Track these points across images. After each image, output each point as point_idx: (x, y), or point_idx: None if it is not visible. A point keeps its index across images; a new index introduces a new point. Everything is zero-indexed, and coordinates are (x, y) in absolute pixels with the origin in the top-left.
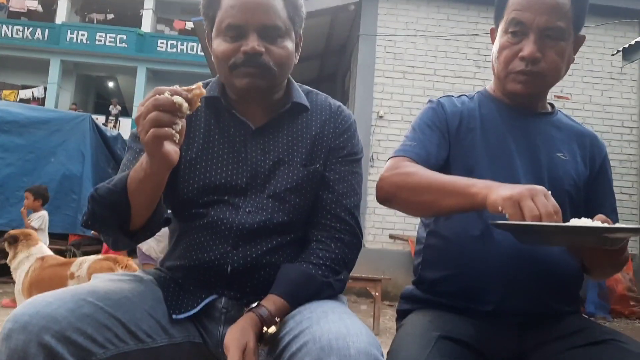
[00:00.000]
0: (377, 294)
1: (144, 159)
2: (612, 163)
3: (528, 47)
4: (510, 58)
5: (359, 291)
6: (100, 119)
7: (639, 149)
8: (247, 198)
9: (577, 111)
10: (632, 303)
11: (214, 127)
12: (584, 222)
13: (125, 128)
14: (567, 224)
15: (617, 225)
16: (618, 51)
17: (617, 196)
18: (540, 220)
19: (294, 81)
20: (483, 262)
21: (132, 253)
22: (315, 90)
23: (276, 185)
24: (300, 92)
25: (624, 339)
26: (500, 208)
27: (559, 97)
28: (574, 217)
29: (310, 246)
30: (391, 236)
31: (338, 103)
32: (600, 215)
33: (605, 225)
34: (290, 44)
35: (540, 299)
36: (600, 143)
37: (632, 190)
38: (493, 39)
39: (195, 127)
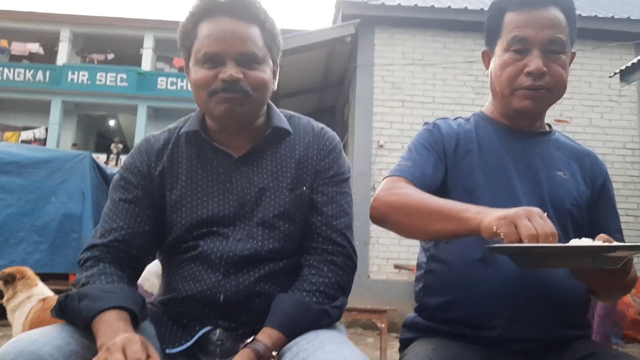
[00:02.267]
0: (383, 325)
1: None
2: (615, 185)
3: (534, 62)
4: (515, 75)
5: (365, 323)
6: (101, 158)
7: None
8: (236, 227)
9: (578, 134)
10: None
11: (195, 162)
12: (584, 242)
13: None
14: (564, 244)
15: (614, 243)
16: (615, 73)
17: (623, 218)
18: (537, 241)
19: (274, 106)
20: (486, 287)
21: None
22: (297, 114)
23: (264, 212)
24: (282, 117)
25: None
26: (495, 228)
27: (558, 120)
28: (577, 238)
29: (303, 272)
30: (396, 266)
31: (321, 125)
32: (602, 235)
33: (604, 244)
34: (267, 70)
35: (547, 324)
36: (599, 162)
37: (637, 212)
38: (486, 62)
39: (177, 165)
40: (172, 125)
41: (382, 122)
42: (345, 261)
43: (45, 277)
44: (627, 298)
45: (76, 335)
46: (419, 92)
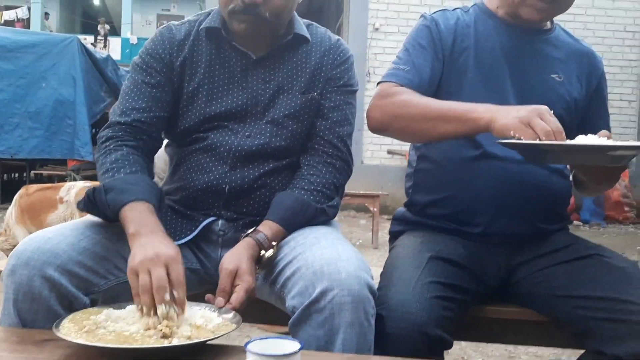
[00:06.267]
0: (375, 209)
1: (145, 220)
2: (612, 69)
3: None
4: None
5: (358, 207)
6: (88, 39)
7: None
8: (245, 124)
9: (579, 16)
10: (626, 209)
11: (215, 57)
12: (590, 139)
13: (115, 48)
14: (575, 142)
15: (620, 143)
16: None
17: (616, 103)
18: (553, 137)
19: (296, 14)
20: (472, 186)
21: None
22: (315, 23)
23: (275, 112)
24: (302, 25)
25: (607, 253)
26: (512, 132)
27: None
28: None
29: (302, 171)
30: (389, 152)
31: (337, 37)
32: (604, 132)
33: (609, 142)
34: None
35: (529, 220)
36: (597, 61)
37: (631, 97)
38: None
39: (197, 58)
40: (191, 18)
41: (378, 3)
42: (343, 165)
43: (43, 163)
44: None
45: (87, 232)
46: None
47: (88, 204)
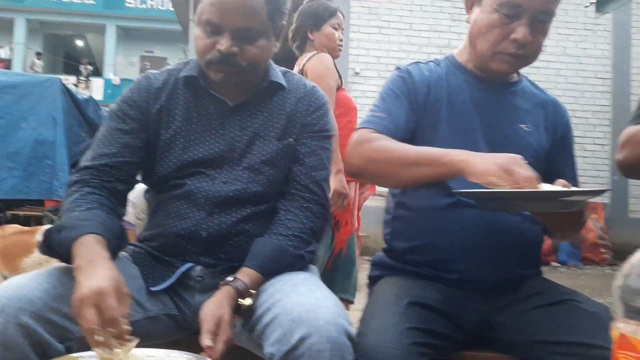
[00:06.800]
0: (357, 250)
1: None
2: (585, 114)
3: (521, 31)
4: (500, 38)
5: None
6: (70, 80)
7: (612, 100)
8: (222, 170)
9: (552, 63)
10: (602, 250)
11: (192, 105)
12: (545, 187)
13: (97, 89)
14: (527, 189)
15: (572, 188)
16: (591, 3)
17: (590, 147)
18: (533, 185)
19: (272, 62)
20: (449, 234)
21: None
22: (290, 71)
23: (252, 158)
24: (278, 72)
25: (580, 299)
26: (491, 178)
27: None
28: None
29: (279, 216)
30: None
31: (312, 83)
32: (560, 180)
33: (563, 188)
34: (265, 43)
35: (504, 267)
36: (562, 110)
37: (604, 140)
38: (468, 3)
39: (174, 106)
40: (171, 67)
41: (358, 48)
42: (320, 209)
43: (20, 203)
44: (588, 223)
45: (63, 278)
46: (396, 18)
47: (44, 245)
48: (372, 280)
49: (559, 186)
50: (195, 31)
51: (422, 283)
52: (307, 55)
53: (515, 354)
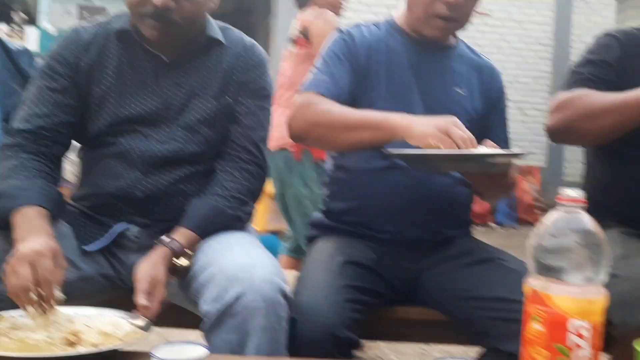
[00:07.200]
0: None
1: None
2: (526, 79)
3: None
4: (432, 0)
5: None
6: (3, 29)
7: (552, 66)
8: (158, 129)
9: (497, 27)
10: (537, 212)
11: (125, 60)
12: (473, 149)
13: (32, 39)
14: (455, 151)
15: (497, 150)
16: None
17: (530, 112)
18: (470, 145)
19: (209, 17)
20: (382, 195)
21: None
22: (230, 27)
23: (189, 117)
24: (216, 27)
25: (506, 258)
26: (430, 140)
27: (479, 13)
28: None
29: (216, 177)
30: None
31: (253, 41)
32: (487, 141)
33: (488, 150)
34: None
35: (434, 228)
36: (497, 75)
37: (544, 106)
38: None
39: (107, 60)
40: (103, 19)
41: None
42: (258, 170)
43: None
44: (524, 185)
45: None
46: None
47: None
48: (310, 240)
49: (483, 147)
50: None
51: (357, 242)
52: (309, 11)
53: (443, 309)
